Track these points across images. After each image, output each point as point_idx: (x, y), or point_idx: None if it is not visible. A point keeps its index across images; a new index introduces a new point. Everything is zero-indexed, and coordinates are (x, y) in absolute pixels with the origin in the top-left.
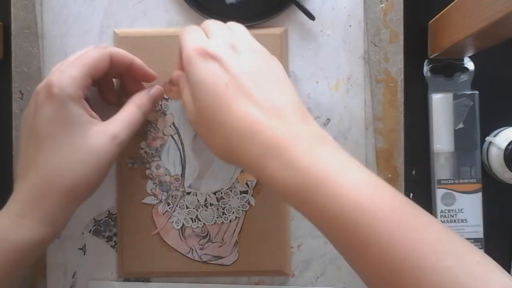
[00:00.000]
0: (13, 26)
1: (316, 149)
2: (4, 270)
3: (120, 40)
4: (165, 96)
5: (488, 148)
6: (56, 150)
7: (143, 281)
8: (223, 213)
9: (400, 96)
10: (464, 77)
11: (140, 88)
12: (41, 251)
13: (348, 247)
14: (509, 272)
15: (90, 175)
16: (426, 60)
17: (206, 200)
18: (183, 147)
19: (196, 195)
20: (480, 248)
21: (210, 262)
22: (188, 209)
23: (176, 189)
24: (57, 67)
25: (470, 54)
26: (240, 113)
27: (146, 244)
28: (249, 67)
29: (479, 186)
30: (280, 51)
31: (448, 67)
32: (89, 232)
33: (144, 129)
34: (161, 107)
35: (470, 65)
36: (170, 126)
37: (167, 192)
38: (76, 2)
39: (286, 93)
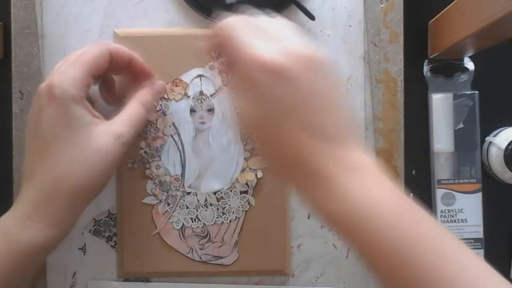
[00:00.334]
0: (13, 26)
1: (365, 179)
2: (10, 272)
3: (120, 40)
4: (165, 96)
5: (488, 148)
6: (61, 152)
7: (143, 281)
8: (223, 213)
9: (400, 96)
10: (464, 77)
11: (140, 85)
12: (48, 253)
13: (395, 277)
14: (509, 272)
15: (96, 176)
16: (426, 60)
17: (206, 200)
18: (183, 147)
19: (196, 195)
20: (480, 248)
21: (210, 262)
22: (188, 209)
23: (176, 189)
24: (58, 67)
25: (470, 54)
26: (293, 134)
27: (146, 244)
28: (308, 88)
29: (479, 186)
30: None
31: (448, 67)
32: (89, 232)
33: (144, 129)
34: (161, 107)
35: (470, 65)
36: (170, 126)
37: (167, 192)
38: (76, 2)
39: (340, 117)
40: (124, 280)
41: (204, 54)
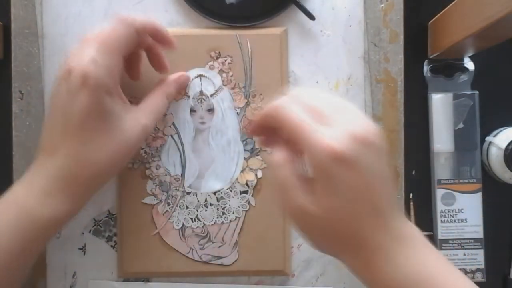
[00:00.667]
0: (13, 26)
1: (417, 250)
2: (25, 246)
3: None
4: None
5: (488, 148)
6: (89, 138)
7: (143, 281)
8: (223, 213)
9: (400, 96)
10: (464, 77)
11: (164, 67)
12: (60, 229)
13: None
14: (509, 272)
15: (118, 164)
16: (426, 60)
17: (206, 200)
18: (183, 147)
19: (196, 195)
20: (480, 248)
21: (210, 262)
22: (188, 209)
23: (176, 189)
24: (82, 48)
25: (470, 54)
26: (356, 217)
27: (146, 244)
28: (372, 173)
29: (479, 186)
30: (280, 51)
31: (448, 67)
32: (89, 232)
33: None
34: None
35: (470, 65)
36: (170, 126)
37: (167, 192)
38: (76, 2)
39: (390, 189)
40: (124, 280)
41: (254, 129)
